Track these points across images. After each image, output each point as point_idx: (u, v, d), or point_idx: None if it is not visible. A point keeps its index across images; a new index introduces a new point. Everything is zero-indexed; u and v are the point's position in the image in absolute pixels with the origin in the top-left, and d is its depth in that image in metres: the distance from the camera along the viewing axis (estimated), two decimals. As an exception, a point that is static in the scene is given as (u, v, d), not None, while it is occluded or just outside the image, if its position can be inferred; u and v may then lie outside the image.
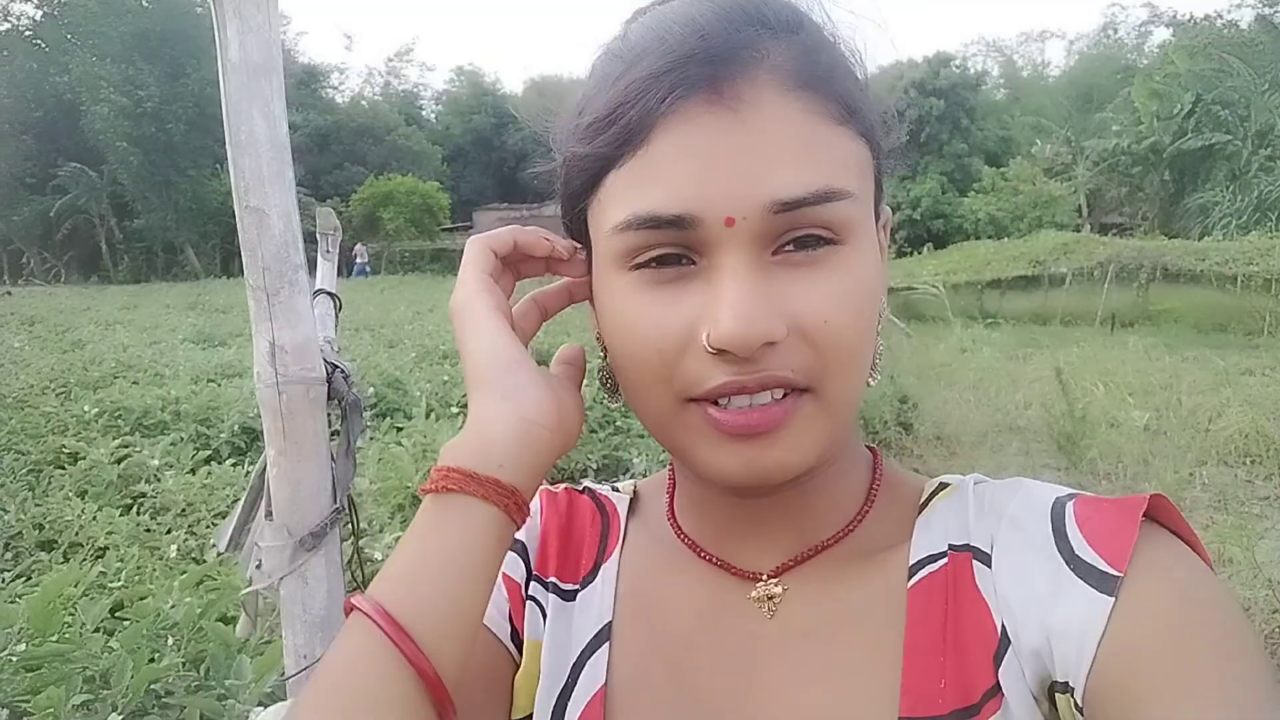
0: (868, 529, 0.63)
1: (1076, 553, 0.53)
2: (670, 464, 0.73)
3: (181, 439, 5.55)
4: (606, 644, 0.65)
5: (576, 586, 0.69)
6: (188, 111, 30.88)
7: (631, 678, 0.64)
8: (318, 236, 1.00)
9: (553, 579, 0.70)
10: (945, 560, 0.59)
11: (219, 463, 5.14)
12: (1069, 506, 0.56)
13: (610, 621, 0.66)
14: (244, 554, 0.79)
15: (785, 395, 0.53)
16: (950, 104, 32.06)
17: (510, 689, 0.67)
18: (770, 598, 0.62)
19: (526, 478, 0.56)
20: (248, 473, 4.84)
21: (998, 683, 0.53)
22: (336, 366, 0.82)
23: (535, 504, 0.75)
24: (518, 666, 0.68)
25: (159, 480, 4.67)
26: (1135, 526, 0.52)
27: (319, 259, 0.98)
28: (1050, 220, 26.98)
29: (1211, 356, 9.71)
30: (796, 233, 0.53)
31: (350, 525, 0.91)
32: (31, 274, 33.34)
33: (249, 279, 0.79)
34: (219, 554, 0.88)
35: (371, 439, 5.37)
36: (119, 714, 1.72)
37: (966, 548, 0.58)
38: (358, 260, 32.01)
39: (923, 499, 0.64)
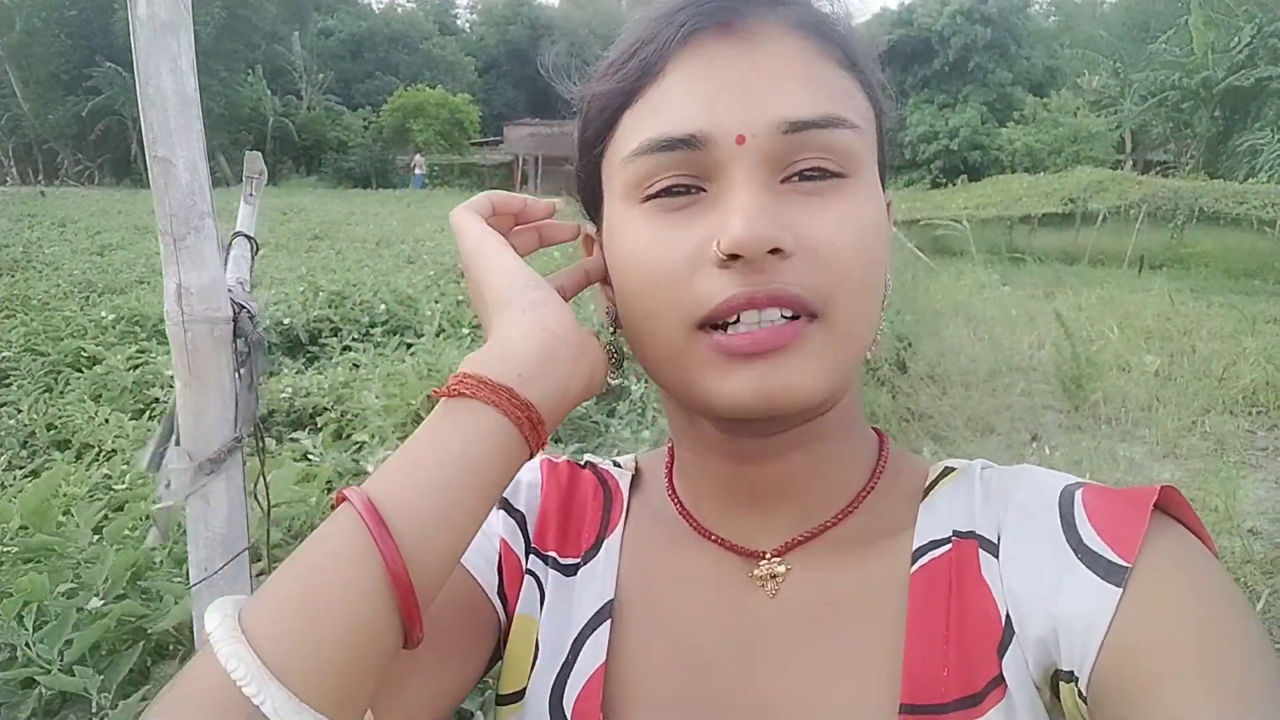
0: (871, 510, 0.63)
1: (1085, 542, 0.53)
2: (669, 441, 0.72)
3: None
4: (608, 621, 0.65)
5: (578, 561, 0.69)
6: (217, 15, 30.68)
7: (633, 656, 0.63)
8: (244, 179, 1.06)
9: (552, 553, 0.69)
10: (949, 546, 0.58)
11: (231, 372, 5.30)
12: (1078, 495, 0.56)
13: (612, 599, 0.66)
14: (160, 474, 0.87)
15: (795, 318, 0.53)
16: (998, 30, 31.06)
17: (487, 642, 0.66)
18: (773, 576, 0.62)
19: (547, 398, 0.54)
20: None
21: (1001, 673, 0.53)
22: (243, 307, 0.89)
23: (535, 475, 0.73)
24: (500, 626, 0.68)
25: (173, 387, 4.81)
26: (1145, 517, 0.52)
27: (241, 202, 1.04)
28: (1088, 155, 26.35)
29: (1238, 303, 9.55)
30: (804, 162, 0.54)
31: (257, 452, 0.99)
32: (66, 175, 33.62)
33: (159, 224, 0.86)
34: (141, 473, 0.97)
35: (380, 356, 5.50)
36: (100, 599, 1.85)
37: (972, 535, 0.58)
38: (416, 172, 31.87)
39: (927, 483, 0.63)
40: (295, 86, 36.88)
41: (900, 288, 8.46)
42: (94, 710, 1.78)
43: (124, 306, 6.32)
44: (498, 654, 0.68)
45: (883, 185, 0.61)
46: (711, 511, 0.66)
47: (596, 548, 0.69)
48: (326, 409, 4.72)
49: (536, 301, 0.56)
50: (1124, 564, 0.50)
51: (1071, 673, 0.50)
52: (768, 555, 0.63)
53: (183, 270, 0.86)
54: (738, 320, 0.53)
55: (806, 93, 0.53)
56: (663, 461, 0.73)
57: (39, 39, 33.03)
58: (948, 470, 0.64)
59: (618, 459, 0.76)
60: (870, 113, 0.59)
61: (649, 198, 0.55)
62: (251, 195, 1.04)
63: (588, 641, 0.64)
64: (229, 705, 0.44)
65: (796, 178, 0.54)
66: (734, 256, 0.51)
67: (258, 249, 1.02)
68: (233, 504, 0.92)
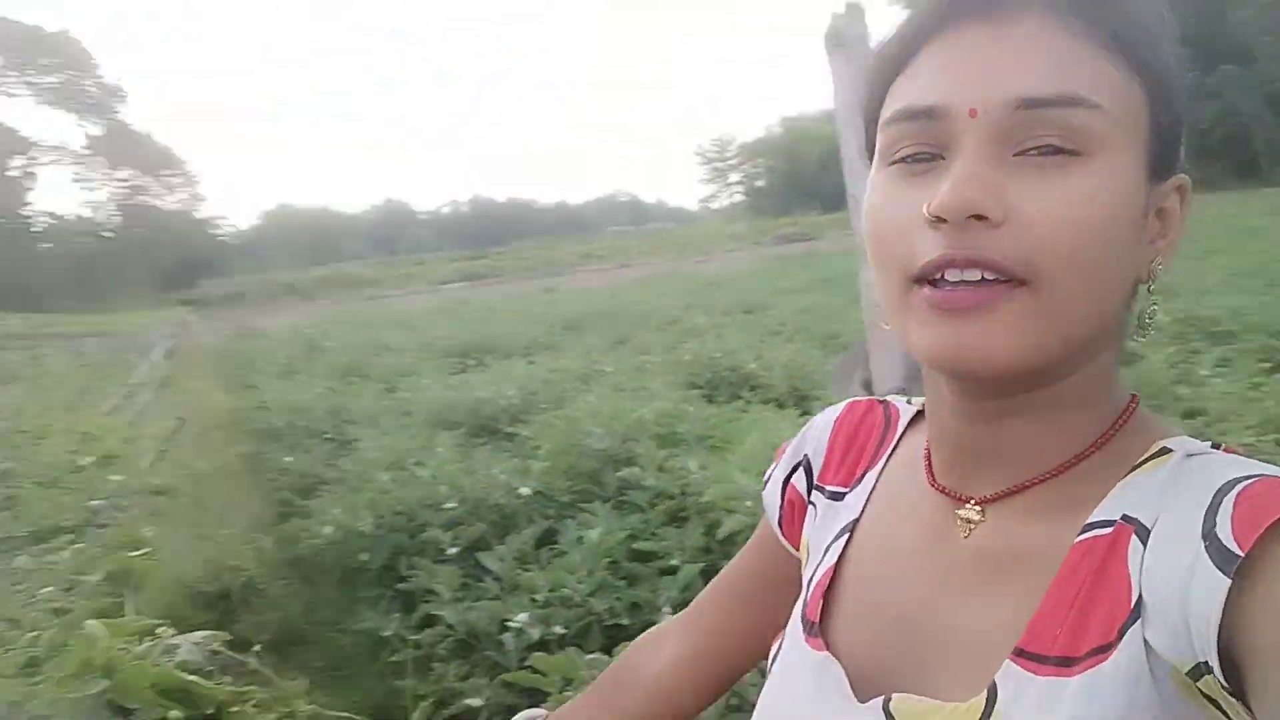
0: (1077, 478, 0.63)
1: (1215, 529, 0.51)
2: None
3: (1244, 350, 5.60)
4: (847, 535, 0.75)
5: (846, 490, 0.79)
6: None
7: (856, 565, 0.73)
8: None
9: (831, 486, 0.81)
10: (1113, 528, 0.58)
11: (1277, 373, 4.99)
12: (1241, 485, 0.52)
13: (857, 518, 0.76)
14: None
15: (996, 281, 0.55)
16: None
17: (791, 586, 0.81)
18: (969, 521, 0.66)
19: None
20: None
21: (1110, 644, 0.54)
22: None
23: (830, 416, 0.84)
24: (794, 557, 0.83)
25: (1204, 385, 4.86)
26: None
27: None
28: None
29: None
30: (1038, 138, 0.55)
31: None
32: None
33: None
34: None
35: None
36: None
37: (1133, 520, 0.57)
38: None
39: (1138, 460, 0.61)
40: None
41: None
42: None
43: (1179, 309, 6.57)
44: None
45: (1164, 173, 0.60)
46: (939, 461, 0.70)
47: (862, 478, 0.78)
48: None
49: None
50: (1237, 553, 0.48)
51: (1206, 663, 0.49)
52: (973, 501, 0.66)
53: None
54: (942, 278, 0.56)
55: (1045, 71, 0.55)
56: None
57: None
58: (1163, 451, 0.60)
59: (914, 399, 0.82)
60: (1132, 95, 0.57)
61: (894, 161, 0.60)
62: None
63: (829, 549, 0.76)
64: None
65: (1031, 152, 0.55)
66: (940, 220, 0.55)
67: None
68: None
